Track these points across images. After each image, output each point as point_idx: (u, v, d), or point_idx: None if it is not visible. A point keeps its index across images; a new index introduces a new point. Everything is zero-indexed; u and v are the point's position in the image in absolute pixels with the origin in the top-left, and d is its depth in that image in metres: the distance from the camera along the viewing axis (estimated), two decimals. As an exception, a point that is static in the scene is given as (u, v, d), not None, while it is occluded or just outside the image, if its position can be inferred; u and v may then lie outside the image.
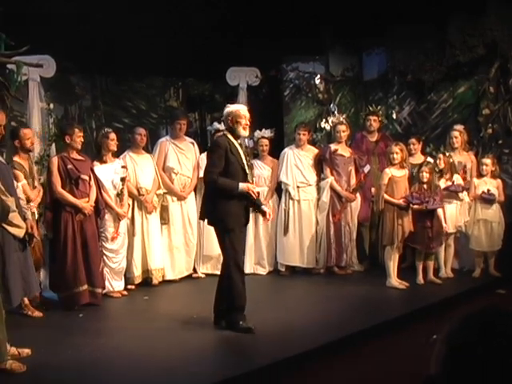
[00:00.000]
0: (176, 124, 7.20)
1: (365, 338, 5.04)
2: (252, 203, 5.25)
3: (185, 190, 7.16)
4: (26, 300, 5.42)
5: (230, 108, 5.29)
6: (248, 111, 5.28)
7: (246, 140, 7.77)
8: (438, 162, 6.90)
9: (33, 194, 5.77)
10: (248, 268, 7.48)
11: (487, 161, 7.04)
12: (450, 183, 6.94)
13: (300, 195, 7.39)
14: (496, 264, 7.08)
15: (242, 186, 5.07)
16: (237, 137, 5.21)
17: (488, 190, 6.90)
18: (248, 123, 5.24)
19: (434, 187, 6.66)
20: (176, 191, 7.10)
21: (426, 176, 6.60)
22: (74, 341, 4.94)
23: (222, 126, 7.49)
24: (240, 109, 5.29)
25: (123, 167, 6.56)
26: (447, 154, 7.08)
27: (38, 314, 5.65)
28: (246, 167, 5.19)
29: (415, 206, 6.55)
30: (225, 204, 5.09)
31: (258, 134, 7.47)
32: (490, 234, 6.99)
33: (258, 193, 5.24)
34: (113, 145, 6.50)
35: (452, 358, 1.18)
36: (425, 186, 6.62)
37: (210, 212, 5.26)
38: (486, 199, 6.92)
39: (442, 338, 1.21)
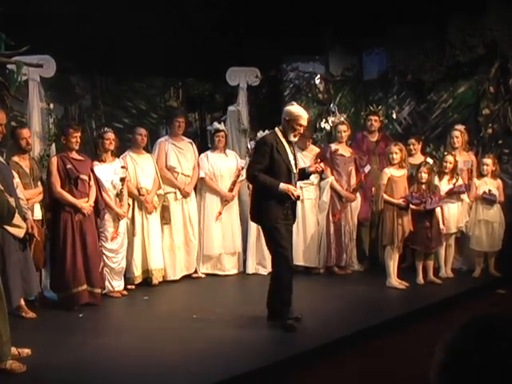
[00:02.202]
0: (175, 122, 7.21)
1: (364, 337, 5.04)
2: (292, 204, 5.17)
3: (185, 187, 7.16)
4: (22, 301, 5.40)
5: (293, 108, 5.20)
6: (307, 120, 5.19)
7: (248, 141, 7.80)
8: (446, 164, 6.89)
9: (27, 192, 5.73)
10: (250, 268, 7.50)
11: (488, 161, 7.04)
12: (452, 185, 6.93)
13: (303, 195, 7.39)
14: (496, 264, 7.08)
15: (283, 186, 4.99)
16: (286, 136, 5.16)
17: (489, 191, 6.90)
18: (301, 132, 5.21)
19: (432, 187, 6.66)
20: (179, 186, 7.10)
21: (424, 176, 6.60)
22: (74, 341, 4.94)
23: (221, 126, 7.51)
24: (301, 115, 5.13)
25: (123, 167, 6.56)
26: (452, 153, 7.08)
27: (31, 315, 5.61)
28: (293, 167, 5.14)
29: (413, 207, 6.56)
30: (266, 201, 5.08)
31: (260, 134, 7.45)
32: (490, 234, 6.99)
33: (299, 196, 5.15)
34: (108, 144, 6.48)
35: (450, 365, 1.18)
36: (423, 186, 6.62)
37: (253, 210, 5.30)
38: (487, 199, 6.92)
39: (441, 346, 1.21)
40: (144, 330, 5.26)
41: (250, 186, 7.42)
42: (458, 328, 1.22)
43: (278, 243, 5.09)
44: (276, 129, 5.28)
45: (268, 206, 5.07)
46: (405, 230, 6.53)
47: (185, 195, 7.15)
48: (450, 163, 6.92)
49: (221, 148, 7.40)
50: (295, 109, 5.20)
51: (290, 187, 5.03)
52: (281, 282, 5.10)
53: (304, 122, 5.15)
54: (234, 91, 8.39)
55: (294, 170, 5.17)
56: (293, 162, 5.16)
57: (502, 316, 1.23)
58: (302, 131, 5.22)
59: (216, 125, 7.49)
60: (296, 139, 5.25)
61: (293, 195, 5.03)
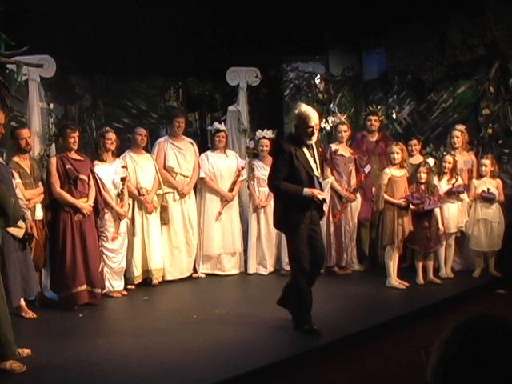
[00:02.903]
0: (174, 122, 7.20)
1: (365, 337, 5.03)
2: (318, 206, 5.11)
3: (184, 188, 7.15)
4: (22, 301, 5.40)
5: (299, 111, 5.08)
6: (317, 118, 5.04)
7: (248, 141, 7.80)
8: (445, 164, 6.90)
9: (27, 193, 5.73)
10: (250, 268, 7.50)
11: (486, 161, 7.04)
12: (451, 185, 6.94)
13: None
14: (496, 264, 7.08)
15: (307, 191, 4.93)
16: (303, 140, 5.05)
17: (488, 189, 6.91)
18: (314, 131, 5.02)
19: (431, 187, 6.67)
20: (177, 186, 7.10)
21: (423, 177, 6.61)
22: (74, 341, 4.94)
23: (222, 126, 7.51)
24: (309, 115, 4.99)
25: (123, 167, 6.56)
26: (451, 153, 7.08)
27: (31, 315, 5.60)
28: (314, 171, 5.05)
29: (413, 207, 6.55)
30: (288, 208, 5.04)
31: (259, 134, 7.47)
32: (489, 234, 6.98)
33: (324, 199, 5.06)
34: (109, 144, 6.48)
35: (446, 365, 1.18)
36: (422, 186, 6.62)
37: (276, 217, 5.27)
38: (486, 198, 6.92)
39: (437, 346, 1.21)
40: (144, 329, 5.26)
41: (250, 187, 7.48)
42: (454, 327, 1.22)
43: (298, 248, 5.06)
44: (293, 133, 5.22)
45: (291, 213, 5.04)
46: (405, 230, 6.53)
47: (182, 195, 7.14)
48: (450, 163, 6.92)
49: (221, 148, 7.40)
50: (301, 110, 5.08)
51: (315, 191, 4.95)
52: (297, 288, 5.12)
53: (313, 123, 5.00)
54: (233, 91, 8.39)
55: (317, 174, 5.07)
56: (314, 166, 5.06)
57: (497, 315, 1.23)
58: (315, 131, 5.05)
59: (217, 125, 7.49)
60: (313, 141, 5.08)
61: (318, 199, 4.96)
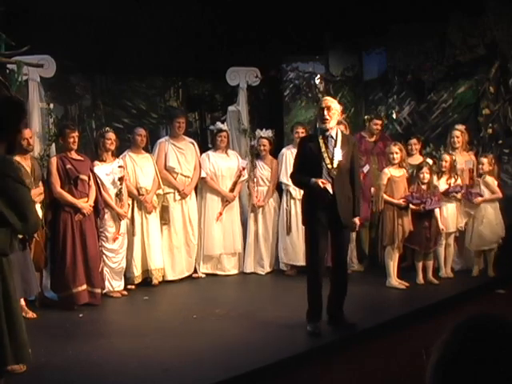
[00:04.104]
0: (175, 122, 7.20)
1: (365, 337, 5.04)
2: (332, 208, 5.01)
3: (185, 188, 7.15)
4: (22, 301, 5.39)
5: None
6: (328, 99, 5.23)
7: (248, 141, 7.80)
8: (442, 163, 6.89)
9: None
10: (248, 268, 7.50)
11: (483, 160, 7.01)
12: (448, 185, 6.92)
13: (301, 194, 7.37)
14: (495, 264, 7.07)
15: (312, 180, 4.95)
16: (322, 130, 5.12)
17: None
18: (325, 115, 5.04)
19: (432, 188, 6.67)
20: (178, 187, 7.09)
21: (426, 177, 6.61)
22: (74, 341, 4.94)
23: (224, 126, 7.51)
24: (321, 100, 5.37)
25: (120, 167, 6.56)
26: (451, 153, 7.07)
27: (31, 315, 5.60)
28: (327, 161, 5.01)
29: (413, 207, 6.55)
30: (305, 203, 5.20)
31: (258, 133, 7.49)
32: (476, 232, 6.94)
33: (325, 188, 4.93)
34: (109, 144, 6.48)
35: (445, 365, 1.18)
36: (424, 186, 6.62)
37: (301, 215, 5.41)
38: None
39: (436, 346, 1.21)
40: (144, 330, 5.26)
41: (250, 186, 7.49)
42: (454, 327, 1.22)
43: (310, 249, 5.10)
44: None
45: (306, 209, 5.17)
46: (405, 230, 6.53)
47: (183, 196, 7.14)
48: (446, 162, 6.91)
49: (223, 148, 7.39)
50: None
51: (319, 180, 4.92)
52: (307, 286, 5.14)
53: (323, 104, 5.10)
54: (233, 91, 8.38)
55: (329, 165, 5.02)
56: (325, 155, 5.03)
57: (497, 315, 1.23)
58: (326, 114, 5.03)
59: (219, 125, 7.49)
60: (326, 125, 5.05)
61: (319, 187, 4.87)
